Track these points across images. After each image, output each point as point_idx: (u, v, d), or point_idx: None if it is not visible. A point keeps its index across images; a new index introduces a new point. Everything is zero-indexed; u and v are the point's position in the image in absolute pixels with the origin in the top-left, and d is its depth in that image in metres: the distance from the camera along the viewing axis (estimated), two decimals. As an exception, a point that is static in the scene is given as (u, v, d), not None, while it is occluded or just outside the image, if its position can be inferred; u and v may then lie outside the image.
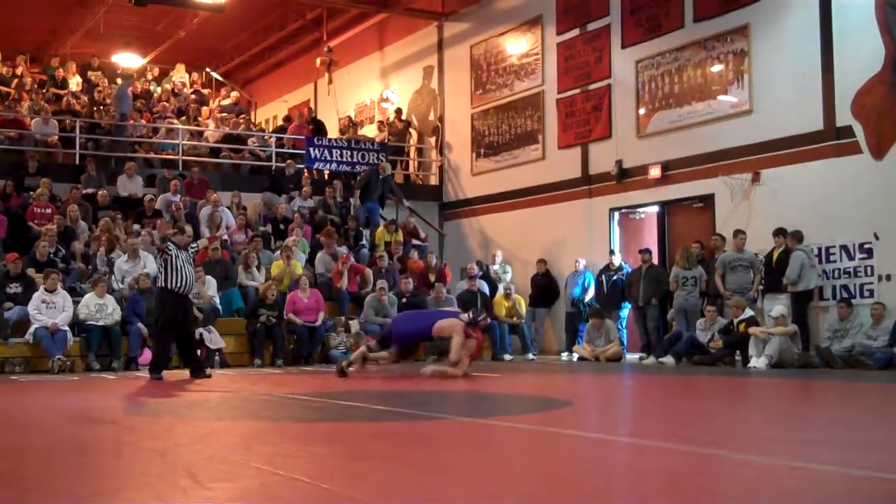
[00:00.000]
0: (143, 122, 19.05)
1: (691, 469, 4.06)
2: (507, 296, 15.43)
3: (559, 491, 3.58)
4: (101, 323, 12.46)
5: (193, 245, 11.12)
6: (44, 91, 20.46)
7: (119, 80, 20.52)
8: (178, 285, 10.30)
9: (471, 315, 10.25)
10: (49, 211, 14.81)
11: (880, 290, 12.05)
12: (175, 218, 15.11)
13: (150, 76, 23.59)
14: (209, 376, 10.45)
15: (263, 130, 20.61)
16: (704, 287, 13.58)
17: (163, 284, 10.44)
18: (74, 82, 21.28)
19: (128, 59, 22.84)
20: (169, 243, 10.48)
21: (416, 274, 15.76)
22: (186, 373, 10.61)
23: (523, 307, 15.57)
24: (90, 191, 16.05)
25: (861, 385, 9.48)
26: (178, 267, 10.26)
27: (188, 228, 10.94)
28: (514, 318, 15.29)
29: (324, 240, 15.65)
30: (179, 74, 23.72)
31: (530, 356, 15.08)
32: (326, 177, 19.12)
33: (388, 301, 14.32)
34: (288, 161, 18.36)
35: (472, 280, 15.49)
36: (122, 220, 15.07)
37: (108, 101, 19.51)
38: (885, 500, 3.29)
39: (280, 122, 22.60)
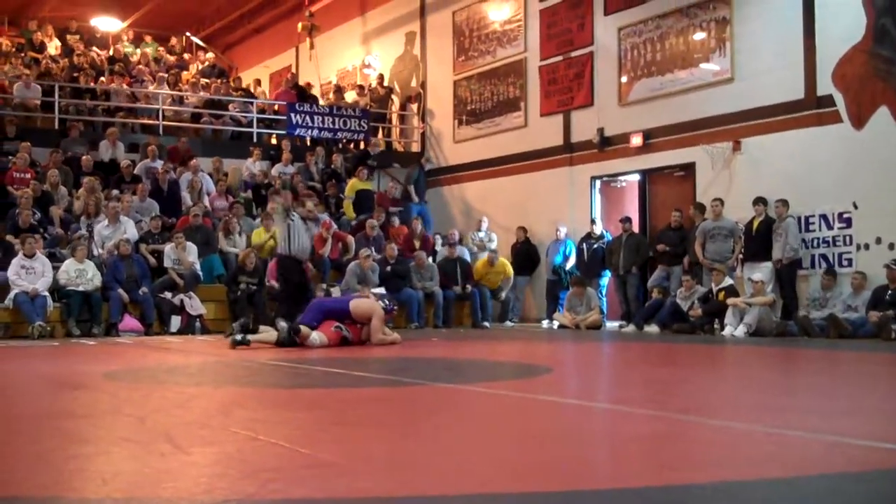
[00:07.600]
0: (125, 86, 18.86)
1: (668, 434, 4.09)
2: (491, 262, 15.44)
3: (537, 456, 3.61)
4: (80, 288, 12.40)
5: (323, 215, 12.34)
6: (22, 55, 20.21)
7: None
8: (294, 251, 11.18)
9: (385, 303, 10.73)
10: (28, 176, 14.62)
11: (859, 259, 12.14)
12: (159, 183, 15.16)
13: (125, 39, 23.31)
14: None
15: (246, 95, 20.40)
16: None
17: (283, 250, 11.28)
18: (53, 46, 21.03)
19: (106, 23, 22.57)
20: (293, 213, 11.31)
21: (399, 240, 15.71)
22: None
23: (509, 271, 15.57)
24: (71, 154, 15.87)
25: (839, 353, 9.56)
26: (295, 235, 11.16)
27: (309, 203, 11.81)
28: (499, 282, 15.34)
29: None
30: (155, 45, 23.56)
31: (508, 324, 15.17)
32: (308, 143, 19.06)
33: (371, 268, 14.26)
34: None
35: (453, 247, 15.48)
36: (100, 185, 14.90)
37: (85, 65, 19.30)
38: (858, 465, 3.32)
39: (264, 88, 22.51)
